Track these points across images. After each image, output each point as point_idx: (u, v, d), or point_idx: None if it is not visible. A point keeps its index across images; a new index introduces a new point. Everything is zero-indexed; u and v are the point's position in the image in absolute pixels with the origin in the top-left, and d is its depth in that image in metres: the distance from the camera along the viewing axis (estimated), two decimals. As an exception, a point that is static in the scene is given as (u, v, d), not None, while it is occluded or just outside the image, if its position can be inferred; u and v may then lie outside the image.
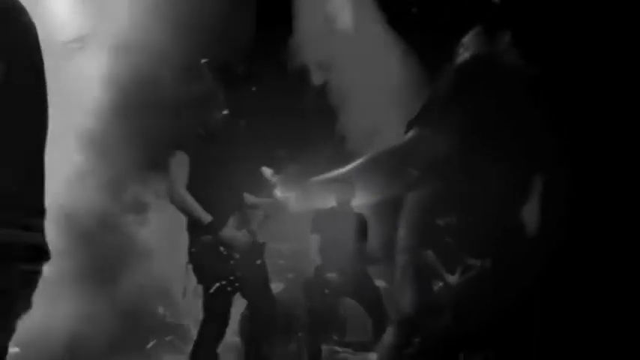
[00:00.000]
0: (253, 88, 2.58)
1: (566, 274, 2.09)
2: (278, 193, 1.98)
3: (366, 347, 4.53)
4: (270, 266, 3.78)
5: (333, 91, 5.39)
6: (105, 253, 4.53)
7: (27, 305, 1.36)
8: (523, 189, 2.01)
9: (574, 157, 2.17)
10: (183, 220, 3.54)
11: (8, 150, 1.30)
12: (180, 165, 3.49)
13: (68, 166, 4.18)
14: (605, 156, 3.02)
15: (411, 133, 1.99)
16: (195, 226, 3.49)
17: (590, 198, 2.27)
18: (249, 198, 3.67)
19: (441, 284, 2.75)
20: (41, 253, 1.36)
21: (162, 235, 4.60)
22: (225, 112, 3.10)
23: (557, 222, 2.01)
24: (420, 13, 5.17)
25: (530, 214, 1.97)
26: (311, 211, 3.88)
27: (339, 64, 5.34)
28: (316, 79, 5.37)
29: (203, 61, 3.21)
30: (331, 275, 4.21)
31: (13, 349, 3.18)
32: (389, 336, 2.12)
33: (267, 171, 3.45)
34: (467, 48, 2.25)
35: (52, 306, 3.90)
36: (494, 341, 1.98)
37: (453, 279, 2.18)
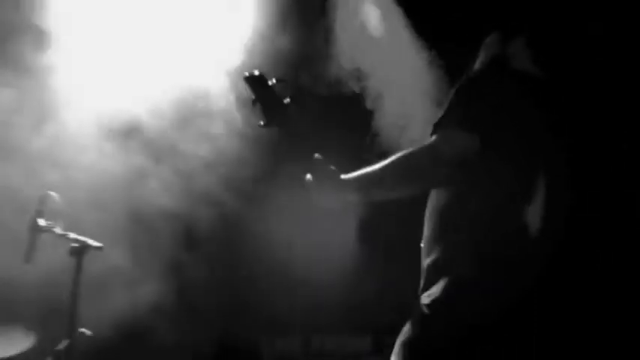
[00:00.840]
0: (287, 100, 2.84)
1: (567, 274, 2.08)
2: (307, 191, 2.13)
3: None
4: (302, 260, 4.02)
5: (368, 97, 5.62)
6: (164, 248, 4.89)
7: None
8: (526, 190, 2.06)
9: (575, 157, 2.18)
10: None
11: None
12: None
13: (128, 166, 4.57)
14: (605, 156, 3.06)
15: (436, 135, 2.04)
16: None
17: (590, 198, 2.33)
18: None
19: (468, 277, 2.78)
20: None
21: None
22: (261, 122, 3.34)
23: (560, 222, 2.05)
24: (443, 18, 5.29)
25: (534, 215, 2.01)
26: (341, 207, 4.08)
27: (374, 71, 5.53)
28: (353, 87, 5.61)
29: (246, 74, 3.53)
30: None
31: (87, 332, 3.47)
32: (414, 326, 2.10)
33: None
34: (485, 51, 2.36)
35: (124, 295, 4.29)
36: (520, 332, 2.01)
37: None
